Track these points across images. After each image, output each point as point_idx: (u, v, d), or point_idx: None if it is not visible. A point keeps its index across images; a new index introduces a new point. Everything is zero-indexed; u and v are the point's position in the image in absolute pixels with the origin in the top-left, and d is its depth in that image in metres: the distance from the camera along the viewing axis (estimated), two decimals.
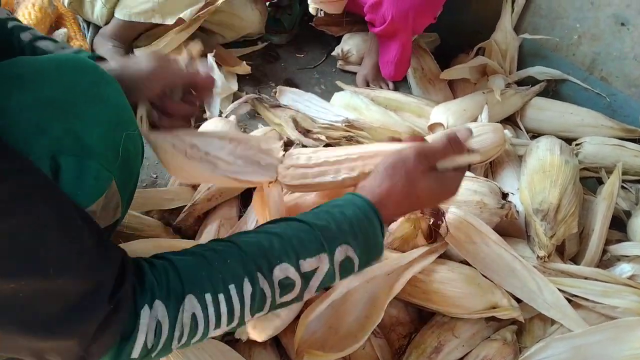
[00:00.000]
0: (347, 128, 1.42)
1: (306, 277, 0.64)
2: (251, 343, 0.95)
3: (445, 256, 1.05)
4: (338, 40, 1.79)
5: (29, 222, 0.49)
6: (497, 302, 1.00)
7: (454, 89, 1.61)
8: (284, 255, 0.63)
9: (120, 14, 1.50)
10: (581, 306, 1.03)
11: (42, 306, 0.51)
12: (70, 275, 0.52)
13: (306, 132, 1.44)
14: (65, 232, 0.52)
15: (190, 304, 0.58)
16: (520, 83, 1.60)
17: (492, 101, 1.41)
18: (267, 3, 1.78)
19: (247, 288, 0.60)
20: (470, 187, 1.09)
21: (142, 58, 0.78)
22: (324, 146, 1.43)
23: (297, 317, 0.97)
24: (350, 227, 0.67)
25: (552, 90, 1.61)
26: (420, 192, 0.72)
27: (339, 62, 1.75)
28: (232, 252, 0.62)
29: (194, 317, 0.58)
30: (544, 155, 1.20)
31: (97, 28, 1.62)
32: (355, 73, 1.73)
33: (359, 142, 1.42)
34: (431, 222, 0.99)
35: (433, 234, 1.01)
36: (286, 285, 0.63)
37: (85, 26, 1.63)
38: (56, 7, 1.56)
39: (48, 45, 0.80)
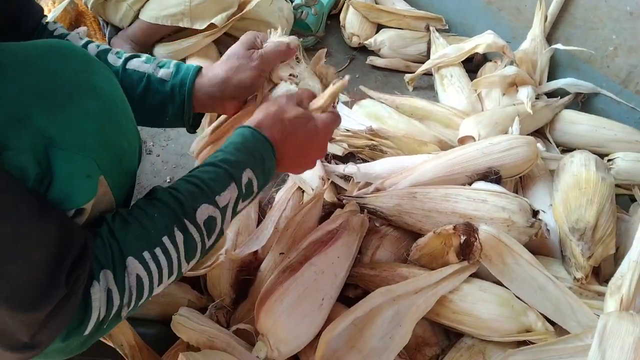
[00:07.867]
0: (371, 136, 1.37)
1: (223, 210, 0.69)
2: None
3: (476, 275, 1.00)
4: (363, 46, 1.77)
5: None
6: (531, 325, 0.95)
7: (481, 95, 1.55)
8: (202, 197, 0.67)
9: (146, 17, 1.47)
10: None
11: None
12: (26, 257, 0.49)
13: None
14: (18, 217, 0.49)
15: (133, 265, 0.59)
16: (550, 95, 1.54)
17: (523, 113, 1.36)
18: (292, 3, 1.73)
19: (179, 236, 0.63)
20: (498, 203, 1.03)
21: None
22: (346, 154, 1.40)
23: (318, 335, 0.92)
24: (247, 152, 0.72)
25: (581, 102, 1.55)
26: (292, 119, 0.77)
27: (370, 58, 1.74)
28: (157, 207, 0.64)
29: (138, 278, 0.59)
30: (579, 171, 1.15)
31: (116, 28, 1.59)
32: (383, 69, 1.72)
33: (382, 152, 1.37)
34: (463, 240, 0.94)
35: (464, 252, 0.96)
36: (210, 224, 0.67)
37: (105, 25, 1.60)
38: (76, 4, 1.53)
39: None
